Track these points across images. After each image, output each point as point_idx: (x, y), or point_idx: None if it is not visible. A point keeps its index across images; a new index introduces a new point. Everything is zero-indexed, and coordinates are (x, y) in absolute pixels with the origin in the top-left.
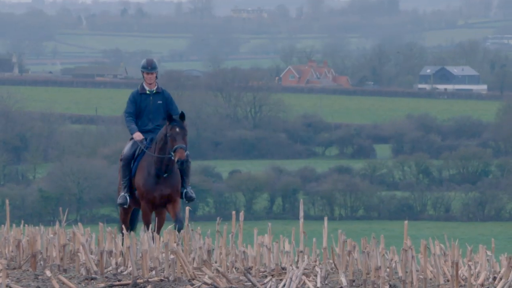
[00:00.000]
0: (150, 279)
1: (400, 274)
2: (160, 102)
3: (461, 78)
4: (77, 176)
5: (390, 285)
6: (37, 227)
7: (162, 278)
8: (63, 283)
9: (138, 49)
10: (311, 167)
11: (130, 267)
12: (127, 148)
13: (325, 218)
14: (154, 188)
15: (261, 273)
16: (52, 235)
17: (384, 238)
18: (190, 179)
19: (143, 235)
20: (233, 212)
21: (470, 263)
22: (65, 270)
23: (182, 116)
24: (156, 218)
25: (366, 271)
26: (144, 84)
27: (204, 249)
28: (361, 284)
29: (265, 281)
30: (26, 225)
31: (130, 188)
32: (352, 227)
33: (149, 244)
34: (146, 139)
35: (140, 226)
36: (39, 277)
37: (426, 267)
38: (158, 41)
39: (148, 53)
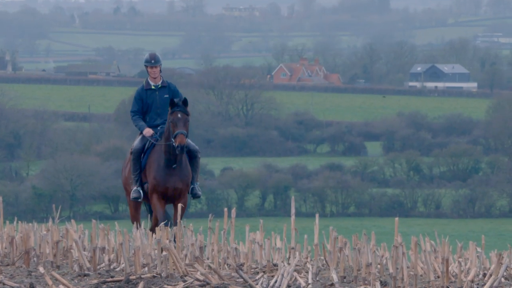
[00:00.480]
0: (142, 276)
1: (390, 270)
2: (166, 96)
3: (451, 76)
4: (70, 173)
5: (381, 282)
6: (30, 224)
7: (155, 274)
8: (56, 279)
9: (130, 47)
10: (303, 164)
11: (122, 263)
12: (137, 142)
13: (317, 215)
14: (166, 180)
15: (252, 270)
16: (45, 232)
17: (375, 235)
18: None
19: (135, 231)
20: (225, 209)
21: (460, 259)
22: (58, 267)
23: (185, 102)
24: (174, 209)
25: (357, 268)
26: (149, 79)
27: (196, 245)
28: (352, 281)
29: (257, 278)
30: (19, 222)
31: (141, 181)
32: (343, 224)
33: (142, 241)
34: (156, 133)
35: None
36: (33, 273)
37: (417, 264)
38: (151, 39)
39: (141, 51)
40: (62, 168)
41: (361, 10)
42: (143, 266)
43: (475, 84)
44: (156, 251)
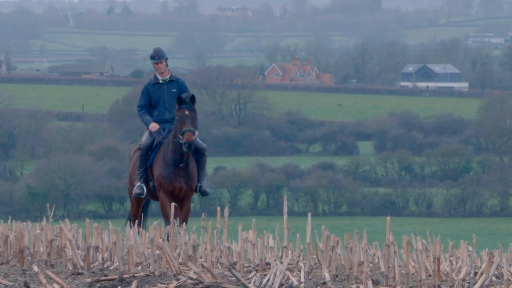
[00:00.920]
0: (136, 274)
1: (382, 269)
2: (174, 90)
3: (442, 76)
4: (64, 173)
5: (372, 280)
6: (24, 223)
7: (148, 273)
8: (50, 278)
9: (124, 47)
10: (295, 163)
11: (116, 262)
12: (145, 138)
13: (309, 214)
14: (172, 178)
15: (245, 268)
16: (39, 231)
17: (367, 234)
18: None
19: (128, 230)
20: (218, 208)
21: (451, 258)
22: (52, 265)
23: (193, 99)
24: (179, 209)
25: (349, 266)
26: (156, 74)
27: (190, 244)
28: (344, 279)
29: (250, 276)
30: (13, 221)
31: (146, 178)
32: (335, 223)
33: (135, 240)
34: (164, 130)
35: (148, 220)
36: (27, 272)
37: (408, 262)
38: (144, 39)
39: (134, 51)
40: (56, 168)
41: (353, 10)
42: (137, 264)
43: (466, 84)
44: (149, 250)
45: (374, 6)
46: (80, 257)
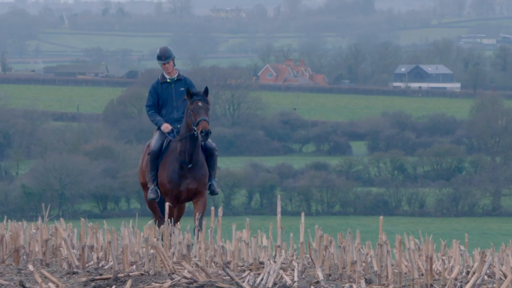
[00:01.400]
0: (130, 273)
1: (375, 268)
2: (182, 89)
3: (435, 77)
4: (59, 172)
5: (365, 279)
6: (20, 223)
7: (143, 272)
8: (46, 277)
9: (119, 48)
10: (288, 163)
11: (111, 261)
12: (154, 141)
13: (302, 214)
14: (179, 184)
15: (239, 267)
16: (34, 230)
17: (360, 233)
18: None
19: (126, 231)
20: (212, 208)
21: (444, 257)
22: (47, 265)
23: (206, 91)
24: (175, 209)
25: (342, 266)
26: (164, 73)
27: (184, 244)
28: (337, 278)
29: (243, 275)
30: (9, 220)
31: (158, 180)
32: (328, 223)
33: (130, 239)
34: (173, 130)
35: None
36: (22, 271)
37: (401, 262)
38: (139, 40)
39: (129, 51)
40: (51, 167)
41: (346, 12)
42: (131, 264)
43: (458, 85)
44: (144, 249)
45: (367, 7)
46: (75, 256)
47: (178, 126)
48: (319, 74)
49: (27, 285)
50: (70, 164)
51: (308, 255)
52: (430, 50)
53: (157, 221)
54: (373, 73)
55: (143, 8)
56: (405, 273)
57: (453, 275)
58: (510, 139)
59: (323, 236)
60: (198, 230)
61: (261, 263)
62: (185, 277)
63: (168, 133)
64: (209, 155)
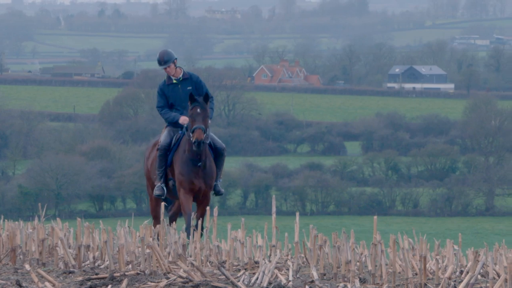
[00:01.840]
0: (126, 273)
1: (369, 267)
2: (189, 88)
3: (429, 77)
4: (56, 172)
5: (360, 279)
6: (16, 222)
7: (138, 271)
8: (42, 276)
9: (115, 49)
10: (283, 163)
11: (107, 261)
12: (163, 138)
13: (297, 213)
14: (191, 176)
15: (234, 267)
16: (31, 230)
17: (354, 233)
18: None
19: (122, 231)
20: (208, 208)
21: (437, 257)
22: (44, 264)
23: (206, 97)
24: (197, 206)
25: (336, 265)
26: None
27: (179, 243)
28: (332, 278)
29: (239, 275)
30: (5, 220)
31: (165, 178)
32: (323, 222)
33: (126, 239)
34: (181, 128)
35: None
36: (19, 270)
37: (395, 261)
38: (135, 41)
39: (125, 52)
40: (47, 167)
41: (341, 13)
42: (127, 263)
43: (452, 85)
44: (140, 249)
45: (361, 8)
46: (72, 256)
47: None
48: (313, 75)
49: (23, 284)
50: (66, 164)
51: (302, 255)
52: (424, 51)
53: (153, 218)
54: (367, 74)
55: (139, 9)
56: (399, 273)
57: (447, 274)
58: (503, 139)
59: (317, 235)
60: (194, 230)
61: (256, 262)
62: (180, 277)
63: (175, 130)
64: (218, 155)
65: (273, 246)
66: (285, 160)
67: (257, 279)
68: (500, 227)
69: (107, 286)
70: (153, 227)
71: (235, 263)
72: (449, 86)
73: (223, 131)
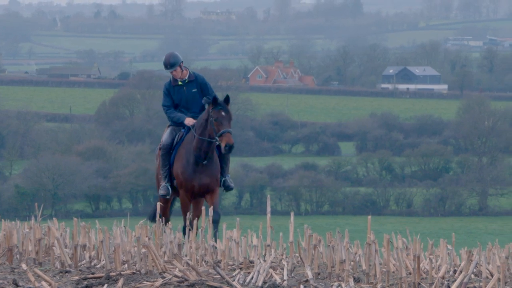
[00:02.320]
0: (122, 272)
1: (364, 267)
2: (195, 90)
3: (422, 78)
4: (52, 173)
5: (354, 278)
6: (13, 222)
7: (134, 271)
8: (39, 276)
9: (111, 50)
10: (278, 164)
11: (103, 260)
12: (165, 137)
13: (292, 213)
14: (193, 177)
15: (229, 266)
16: (28, 230)
17: (349, 233)
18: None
19: (118, 230)
20: (203, 208)
21: (431, 256)
22: (40, 264)
23: (227, 99)
24: (193, 208)
25: (331, 265)
26: None
27: (175, 243)
28: (326, 277)
29: (234, 274)
30: (2, 220)
31: (170, 177)
32: (317, 222)
33: (122, 238)
34: (183, 126)
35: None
36: (15, 270)
37: (389, 261)
38: (131, 42)
39: (121, 53)
40: (44, 168)
41: (335, 14)
42: (123, 263)
43: (445, 86)
44: (135, 249)
45: (355, 10)
46: (68, 255)
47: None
48: (308, 76)
49: (20, 283)
50: (62, 165)
51: (297, 254)
52: (417, 52)
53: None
54: (361, 74)
55: (135, 10)
56: (393, 272)
57: (440, 274)
58: (496, 139)
59: (312, 235)
60: (215, 218)
61: (251, 262)
62: (176, 276)
63: (176, 129)
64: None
65: (268, 245)
66: (280, 160)
67: (252, 278)
68: (493, 227)
69: (103, 285)
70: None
71: (230, 263)
72: (442, 87)
73: None
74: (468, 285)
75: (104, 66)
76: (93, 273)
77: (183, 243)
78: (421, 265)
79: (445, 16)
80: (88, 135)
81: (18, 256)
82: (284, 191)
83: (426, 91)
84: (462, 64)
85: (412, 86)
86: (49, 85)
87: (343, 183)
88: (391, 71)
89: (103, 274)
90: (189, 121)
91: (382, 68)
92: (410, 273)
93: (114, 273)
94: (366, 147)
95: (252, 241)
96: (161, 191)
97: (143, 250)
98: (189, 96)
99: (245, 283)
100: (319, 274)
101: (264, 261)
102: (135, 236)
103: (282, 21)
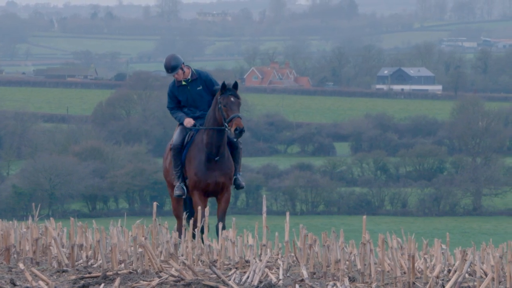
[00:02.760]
0: (119, 272)
1: (359, 266)
2: (199, 88)
3: (417, 79)
4: (49, 173)
5: (349, 277)
6: (10, 222)
7: (131, 270)
8: (36, 275)
9: (107, 51)
10: (274, 164)
11: (100, 260)
12: (175, 137)
13: (287, 213)
14: (207, 176)
15: (225, 266)
16: (25, 230)
17: (344, 232)
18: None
19: (115, 230)
20: (199, 207)
21: (426, 256)
22: (37, 263)
23: (235, 86)
24: (218, 201)
25: (326, 264)
26: None
27: (171, 243)
28: (322, 276)
29: (230, 274)
30: (0, 219)
31: (183, 177)
32: (313, 222)
33: (118, 238)
34: (195, 125)
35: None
36: (13, 269)
37: (384, 260)
38: (127, 43)
39: (118, 54)
40: (41, 168)
41: (330, 15)
42: (120, 262)
43: (440, 87)
44: (132, 248)
45: (350, 11)
46: (65, 255)
47: (200, 124)
48: (303, 77)
49: (17, 283)
50: (59, 165)
51: (293, 254)
52: (412, 53)
53: (180, 229)
54: (356, 75)
55: (131, 12)
56: (388, 271)
57: (435, 273)
58: (490, 140)
59: (307, 235)
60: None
61: (247, 261)
62: (172, 275)
63: (187, 128)
64: (234, 148)
65: (264, 245)
66: (275, 161)
67: (247, 278)
68: (487, 226)
69: (100, 284)
70: (176, 228)
71: (226, 262)
72: (437, 88)
73: None
74: (462, 285)
75: (101, 67)
76: (90, 273)
77: (180, 243)
78: (415, 264)
79: (439, 17)
80: (85, 136)
81: (15, 255)
82: (280, 191)
83: (421, 91)
84: (456, 65)
85: (406, 87)
86: (46, 85)
87: (338, 183)
88: (386, 72)
89: (100, 274)
90: (187, 122)
91: (377, 69)
92: (404, 273)
93: (111, 273)
94: (361, 147)
95: (248, 241)
96: (177, 192)
97: (140, 249)
98: (194, 95)
99: (241, 283)
100: (314, 273)
101: (260, 260)
102: (131, 235)
103: (277, 22)
